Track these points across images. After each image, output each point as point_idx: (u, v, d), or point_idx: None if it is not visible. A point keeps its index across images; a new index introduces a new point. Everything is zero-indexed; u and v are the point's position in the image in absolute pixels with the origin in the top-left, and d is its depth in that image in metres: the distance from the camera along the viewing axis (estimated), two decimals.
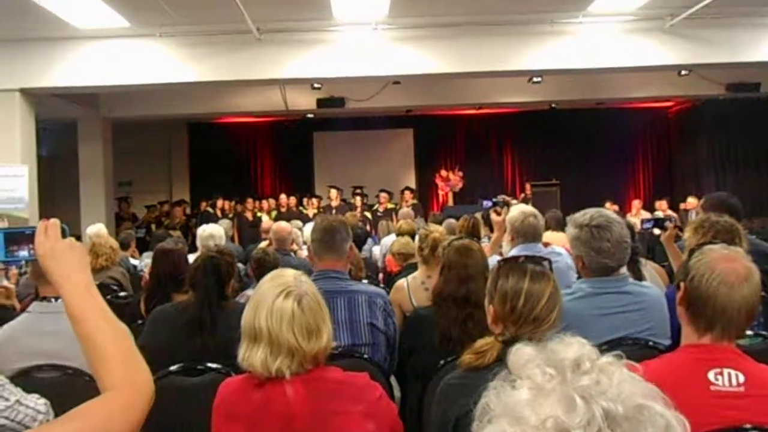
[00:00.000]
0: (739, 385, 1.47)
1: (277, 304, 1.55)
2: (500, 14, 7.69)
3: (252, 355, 1.54)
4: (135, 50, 7.90)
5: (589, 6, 7.59)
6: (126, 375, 1.12)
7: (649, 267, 3.49)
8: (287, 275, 1.64)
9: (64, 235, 1.26)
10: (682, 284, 1.59)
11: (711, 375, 1.47)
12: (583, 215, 2.40)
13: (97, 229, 5.68)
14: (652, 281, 3.24)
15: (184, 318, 2.40)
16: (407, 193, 11.30)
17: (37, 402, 1.67)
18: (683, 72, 9.97)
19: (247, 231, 10.60)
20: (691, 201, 11.21)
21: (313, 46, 8.01)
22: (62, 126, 11.26)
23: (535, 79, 9.86)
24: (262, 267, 3.36)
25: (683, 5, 7.51)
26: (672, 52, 8.20)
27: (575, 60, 8.22)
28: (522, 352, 0.80)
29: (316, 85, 10.02)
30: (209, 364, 2.16)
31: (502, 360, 1.66)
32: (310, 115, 12.55)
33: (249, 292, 3.51)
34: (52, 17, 7.02)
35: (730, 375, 1.47)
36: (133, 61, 7.91)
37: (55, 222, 1.26)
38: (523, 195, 12.71)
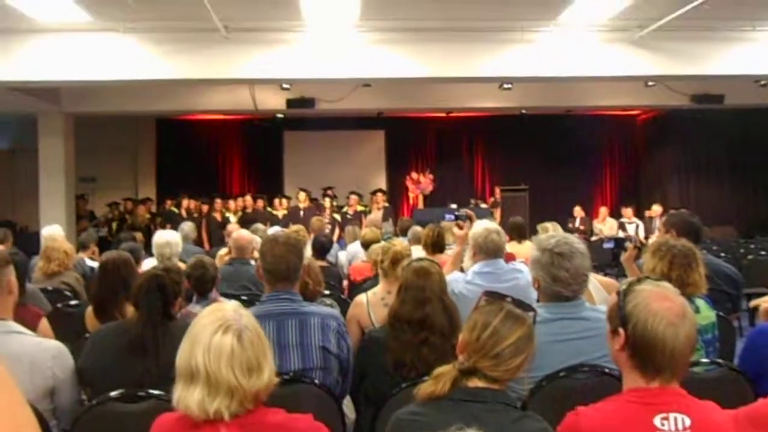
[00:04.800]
0: (685, 429, 1.44)
1: (215, 340, 1.47)
2: (472, 21, 7.68)
3: (188, 397, 1.45)
4: (98, 45, 7.68)
5: (559, 16, 7.63)
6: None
7: (593, 281, 3.46)
8: (226, 309, 1.56)
9: None
10: (621, 330, 1.55)
11: (657, 420, 1.44)
12: (549, 238, 2.37)
13: (51, 232, 5.48)
14: (597, 295, 3.23)
15: (126, 339, 2.30)
16: (379, 195, 11.23)
17: None
18: (650, 83, 10.13)
19: (217, 233, 10.43)
20: (656, 209, 11.39)
21: (282, 47, 7.90)
22: (23, 119, 10.92)
23: (505, 86, 9.90)
24: (205, 282, 3.24)
25: (651, 18, 7.60)
26: (640, 63, 8.30)
27: (545, 68, 8.27)
28: None
29: (285, 86, 9.91)
30: (151, 391, 2.06)
31: (457, 390, 1.65)
32: (279, 115, 12.41)
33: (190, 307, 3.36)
34: (11, 9, 6.78)
35: (676, 419, 1.44)
36: (96, 57, 7.69)
37: None
38: (492, 199, 12.78)
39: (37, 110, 10.04)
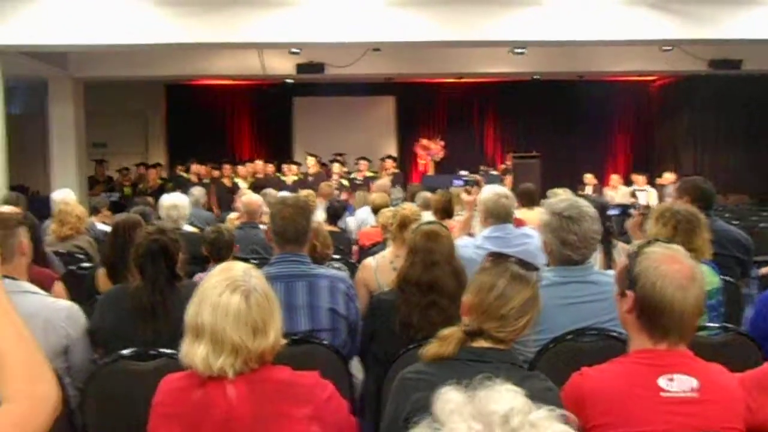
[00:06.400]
0: (692, 390, 1.44)
1: (223, 299, 1.48)
2: None
3: (193, 352, 1.47)
4: (105, 9, 7.59)
5: None
6: (26, 386, 1.04)
7: (619, 248, 3.48)
8: (236, 269, 1.57)
9: None
10: (629, 293, 1.54)
11: (662, 381, 1.44)
12: (559, 202, 2.37)
13: (63, 195, 5.51)
14: (620, 260, 3.23)
15: (134, 303, 2.32)
16: (388, 162, 11.16)
17: None
18: (666, 47, 9.91)
19: (225, 197, 10.45)
20: (668, 176, 11.25)
21: (291, 10, 7.78)
22: (32, 84, 10.90)
23: (517, 50, 9.72)
24: (219, 248, 3.26)
25: None
26: (656, 26, 8.10)
27: (558, 32, 8.10)
28: (448, 398, 0.71)
29: (294, 50, 9.79)
30: (162, 350, 2.10)
31: (462, 350, 1.66)
32: (289, 80, 12.30)
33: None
34: None
35: (682, 380, 1.44)
36: (103, 20, 7.60)
37: None
38: (503, 166, 12.69)
39: (47, 75, 10.02)
